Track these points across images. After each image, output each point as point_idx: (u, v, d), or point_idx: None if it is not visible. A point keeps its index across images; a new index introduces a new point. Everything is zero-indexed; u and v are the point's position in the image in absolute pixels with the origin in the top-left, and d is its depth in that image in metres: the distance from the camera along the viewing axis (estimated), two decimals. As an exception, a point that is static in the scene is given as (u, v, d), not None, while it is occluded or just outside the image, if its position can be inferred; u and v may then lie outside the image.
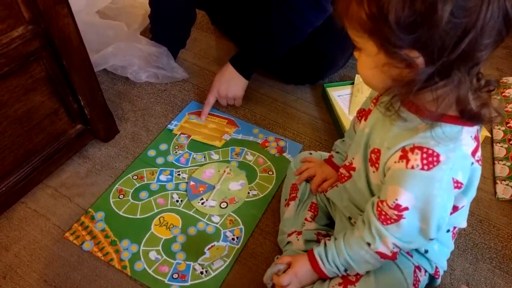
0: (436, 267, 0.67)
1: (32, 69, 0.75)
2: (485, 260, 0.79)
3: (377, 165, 0.59)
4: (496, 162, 0.95)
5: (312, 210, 0.78)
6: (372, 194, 0.64)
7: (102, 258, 0.78)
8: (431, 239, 0.57)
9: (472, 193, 0.58)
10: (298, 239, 0.74)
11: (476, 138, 0.53)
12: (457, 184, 0.52)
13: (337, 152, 0.79)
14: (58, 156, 0.89)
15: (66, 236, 0.81)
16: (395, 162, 0.53)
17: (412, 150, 0.51)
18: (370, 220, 0.58)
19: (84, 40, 0.80)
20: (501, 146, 0.97)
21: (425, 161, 0.50)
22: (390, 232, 0.56)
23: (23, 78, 0.75)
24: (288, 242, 0.75)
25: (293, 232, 0.75)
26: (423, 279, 0.67)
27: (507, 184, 0.90)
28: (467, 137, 0.51)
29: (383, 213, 0.56)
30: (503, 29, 0.42)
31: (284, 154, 0.96)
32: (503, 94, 1.09)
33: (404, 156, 0.52)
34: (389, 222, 0.56)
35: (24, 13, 0.69)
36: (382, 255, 0.59)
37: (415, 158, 0.51)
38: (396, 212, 0.54)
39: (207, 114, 1.03)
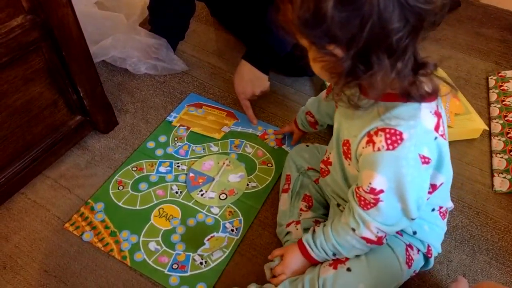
0: (428, 246, 0.69)
1: (31, 60, 0.75)
2: (482, 252, 0.80)
3: (349, 156, 0.61)
4: (493, 155, 0.96)
5: (306, 201, 0.80)
6: (349, 186, 0.66)
7: (102, 248, 0.78)
8: (412, 219, 0.59)
9: (447, 169, 0.60)
10: (297, 229, 0.75)
11: (436, 113, 0.55)
12: (425, 159, 0.54)
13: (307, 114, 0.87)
14: (58, 147, 0.89)
15: (66, 227, 0.81)
16: (363, 147, 0.55)
17: (376, 133, 0.53)
18: (352, 206, 0.60)
19: (83, 31, 0.80)
20: (499, 140, 0.98)
21: (389, 141, 0.52)
22: (372, 216, 0.58)
23: (22, 69, 0.74)
24: (288, 233, 0.76)
25: (291, 222, 0.77)
26: (417, 258, 0.68)
27: (504, 177, 0.90)
28: (426, 112, 0.53)
29: (362, 198, 0.58)
30: (409, 16, 0.43)
31: (283, 147, 0.97)
32: (502, 88, 1.09)
33: (370, 140, 0.54)
34: (368, 206, 0.58)
35: (23, 2, 0.69)
36: (367, 240, 0.61)
37: (380, 140, 0.53)
38: (372, 196, 0.56)
39: (254, 116, 1.01)
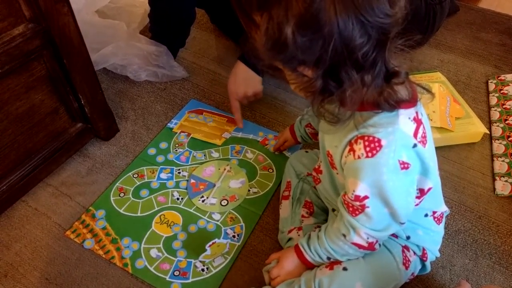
0: (424, 249, 0.69)
1: (32, 68, 0.76)
2: (485, 256, 0.80)
3: (335, 165, 0.62)
4: (495, 158, 0.95)
5: (307, 208, 0.80)
6: (338, 194, 0.66)
7: (103, 256, 0.78)
8: (402, 223, 0.59)
9: (434, 174, 0.60)
10: (299, 235, 0.75)
11: (416, 119, 0.55)
12: (404, 165, 0.54)
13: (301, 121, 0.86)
14: (59, 154, 0.89)
15: (67, 235, 0.81)
16: (346, 156, 0.56)
17: (356, 141, 0.54)
18: (342, 213, 0.61)
19: (84, 39, 0.80)
20: (500, 143, 0.98)
21: (368, 149, 0.53)
22: (361, 222, 0.59)
23: (23, 77, 0.75)
24: (290, 239, 0.76)
25: (293, 229, 0.77)
26: (414, 259, 0.68)
27: (506, 181, 0.90)
28: (404, 119, 0.53)
29: (350, 205, 0.59)
30: (371, 31, 0.44)
31: (284, 152, 0.97)
32: (502, 92, 1.09)
33: (351, 149, 0.55)
34: (357, 212, 0.58)
35: (25, 11, 0.69)
36: (359, 246, 0.61)
37: (359, 148, 0.53)
38: (358, 203, 0.57)
39: (241, 119, 1.01)
